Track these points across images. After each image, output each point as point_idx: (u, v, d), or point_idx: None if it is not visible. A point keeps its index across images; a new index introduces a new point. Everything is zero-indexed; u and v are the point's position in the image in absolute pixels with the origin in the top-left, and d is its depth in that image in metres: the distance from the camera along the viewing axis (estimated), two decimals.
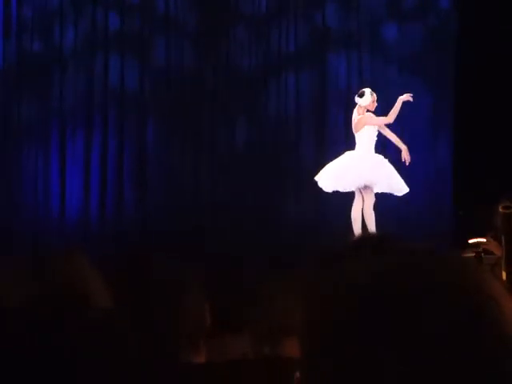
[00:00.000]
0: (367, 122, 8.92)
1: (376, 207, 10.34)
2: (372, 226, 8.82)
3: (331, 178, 8.86)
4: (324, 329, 0.78)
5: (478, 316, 0.75)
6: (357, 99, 9.03)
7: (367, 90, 9.04)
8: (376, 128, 8.97)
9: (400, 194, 9.09)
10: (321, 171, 8.95)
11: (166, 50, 10.63)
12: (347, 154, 9.01)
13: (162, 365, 1.70)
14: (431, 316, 0.75)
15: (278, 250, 8.59)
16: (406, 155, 9.00)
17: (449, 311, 0.75)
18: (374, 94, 9.03)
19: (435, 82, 10.45)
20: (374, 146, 8.98)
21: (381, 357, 0.74)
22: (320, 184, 8.95)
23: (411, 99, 9.03)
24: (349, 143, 9.69)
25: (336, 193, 9.08)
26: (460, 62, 10.20)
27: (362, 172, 8.77)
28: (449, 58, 10.42)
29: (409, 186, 10.38)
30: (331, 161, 9.07)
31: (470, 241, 6.02)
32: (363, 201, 8.89)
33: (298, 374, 0.88)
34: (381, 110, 9.84)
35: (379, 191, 8.94)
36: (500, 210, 5.62)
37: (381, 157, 8.98)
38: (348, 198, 9.05)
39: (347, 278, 0.80)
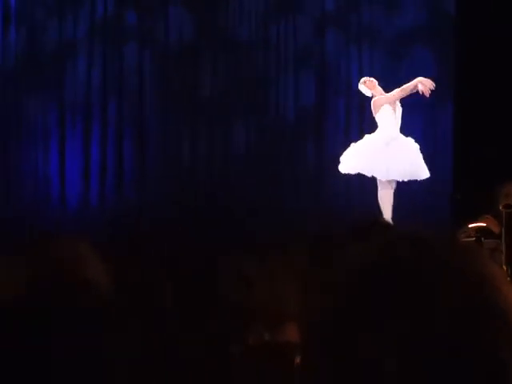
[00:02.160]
0: (382, 103, 8.78)
1: (374, 189, 10.35)
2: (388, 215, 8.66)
3: (356, 159, 8.69)
4: (324, 315, 0.78)
5: (480, 304, 0.75)
6: (360, 86, 9.00)
7: (360, 84, 8.98)
8: (396, 105, 8.82)
9: (419, 178, 8.92)
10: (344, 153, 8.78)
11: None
12: (368, 138, 8.84)
13: (161, 350, 1.70)
14: (432, 303, 0.74)
15: (279, 236, 8.58)
16: (424, 87, 8.75)
17: (450, 298, 0.74)
18: (370, 80, 8.95)
19: (436, 58, 10.40)
20: (397, 127, 8.82)
21: (381, 343, 0.74)
22: (343, 168, 8.76)
23: (427, 94, 8.84)
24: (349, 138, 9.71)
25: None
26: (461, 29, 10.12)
27: (387, 166, 8.61)
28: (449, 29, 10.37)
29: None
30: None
31: (470, 225, 6.03)
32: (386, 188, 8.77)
33: (298, 359, 0.87)
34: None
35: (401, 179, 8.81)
36: (501, 209, 5.65)
37: (404, 141, 8.80)
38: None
39: (347, 264, 0.80)
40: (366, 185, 9.02)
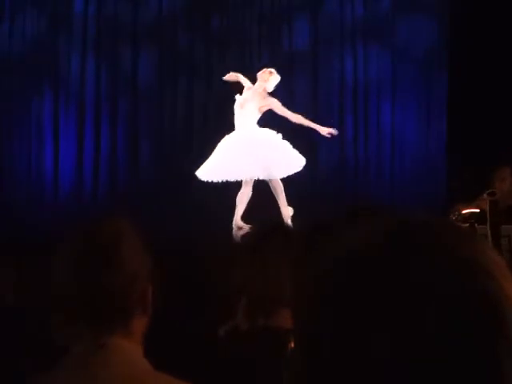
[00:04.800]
0: (275, 108, 8.37)
1: (367, 175, 10.35)
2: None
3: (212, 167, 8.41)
4: (318, 300, 0.77)
5: (476, 292, 0.74)
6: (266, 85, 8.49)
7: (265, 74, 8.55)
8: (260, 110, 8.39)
9: (299, 168, 8.50)
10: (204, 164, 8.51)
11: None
12: (228, 138, 8.46)
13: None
14: (427, 289, 0.73)
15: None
16: (326, 131, 8.44)
17: (446, 285, 0.73)
18: (270, 71, 8.57)
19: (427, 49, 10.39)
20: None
21: (376, 329, 0.73)
22: (200, 175, 8.52)
23: (329, 135, 8.53)
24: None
25: None
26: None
27: (257, 165, 8.23)
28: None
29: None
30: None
31: (464, 211, 6.03)
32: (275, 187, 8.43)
33: (292, 344, 0.87)
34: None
35: (280, 177, 8.45)
36: (485, 196, 5.65)
37: (269, 134, 8.42)
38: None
39: (342, 248, 0.79)
40: None
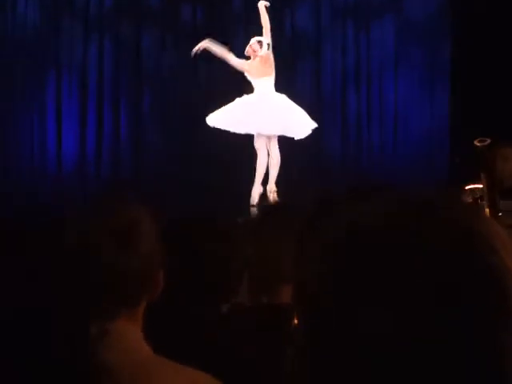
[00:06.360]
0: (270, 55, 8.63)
1: (371, 154, 10.34)
2: (275, 175, 8.57)
3: (225, 117, 8.57)
4: (323, 277, 0.76)
5: (479, 266, 0.73)
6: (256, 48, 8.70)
7: (263, 39, 8.72)
8: (274, 72, 8.63)
9: (302, 136, 8.72)
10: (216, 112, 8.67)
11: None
12: (245, 97, 8.68)
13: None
14: (432, 267, 0.73)
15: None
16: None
17: (448, 260, 0.73)
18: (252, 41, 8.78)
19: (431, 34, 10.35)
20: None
21: (379, 306, 0.72)
22: (210, 122, 8.67)
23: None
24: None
25: None
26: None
27: (263, 122, 8.45)
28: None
29: (406, 135, 10.38)
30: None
31: (467, 187, 6.02)
32: (268, 154, 8.59)
33: (296, 322, 0.86)
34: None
35: (275, 133, 8.60)
36: (475, 143, 5.60)
37: (282, 98, 8.66)
38: None
39: (347, 225, 0.78)
40: None
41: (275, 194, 8.55)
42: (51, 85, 10.36)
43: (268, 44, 8.72)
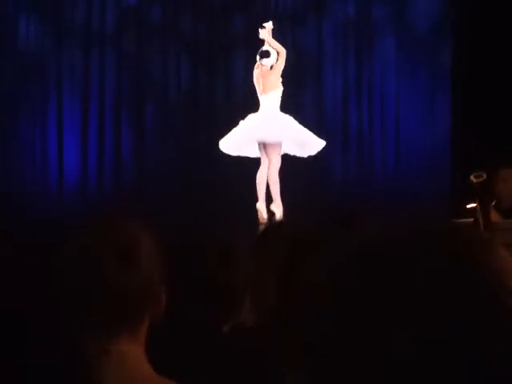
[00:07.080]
0: (280, 68, 8.64)
1: (372, 173, 10.34)
2: (276, 193, 8.55)
3: (235, 140, 8.56)
4: (328, 293, 0.76)
5: (480, 293, 0.73)
6: (263, 61, 8.69)
7: (270, 48, 8.72)
8: (281, 88, 8.65)
9: (312, 153, 8.78)
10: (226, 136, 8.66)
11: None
12: (251, 116, 8.65)
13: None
14: (433, 289, 0.73)
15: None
16: None
17: (452, 284, 0.73)
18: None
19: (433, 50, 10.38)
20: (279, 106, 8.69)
21: (389, 325, 0.72)
22: (222, 148, 8.65)
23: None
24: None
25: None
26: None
27: (268, 129, 8.42)
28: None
29: (407, 154, 10.38)
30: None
31: (468, 206, 6.02)
32: (268, 165, 8.57)
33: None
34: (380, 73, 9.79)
35: (287, 152, 8.65)
36: (472, 179, 5.61)
37: (288, 116, 8.67)
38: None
39: (356, 243, 0.78)
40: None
41: (281, 212, 8.45)
42: (53, 99, 10.38)
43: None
